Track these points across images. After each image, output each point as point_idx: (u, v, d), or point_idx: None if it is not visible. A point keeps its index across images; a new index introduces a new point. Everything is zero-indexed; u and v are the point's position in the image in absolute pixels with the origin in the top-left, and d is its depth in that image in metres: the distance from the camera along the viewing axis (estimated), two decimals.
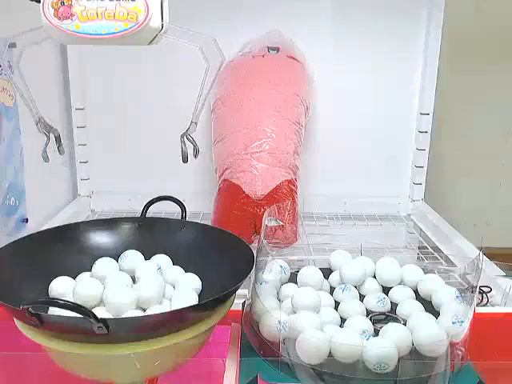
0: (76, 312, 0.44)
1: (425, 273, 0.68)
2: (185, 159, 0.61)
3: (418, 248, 1.09)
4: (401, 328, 0.56)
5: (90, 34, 0.46)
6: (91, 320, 0.44)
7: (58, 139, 0.59)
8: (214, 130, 1.09)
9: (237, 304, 0.58)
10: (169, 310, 0.54)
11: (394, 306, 0.63)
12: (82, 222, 0.69)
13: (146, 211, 0.67)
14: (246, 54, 1.12)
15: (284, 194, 0.99)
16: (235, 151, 1.01)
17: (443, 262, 0.94)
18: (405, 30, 1.20)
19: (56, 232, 0.63)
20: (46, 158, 0.59)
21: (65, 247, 0.62)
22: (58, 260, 0.61)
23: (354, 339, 0.53)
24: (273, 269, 0.65)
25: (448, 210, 1.24)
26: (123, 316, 0.52)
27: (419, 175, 1.27)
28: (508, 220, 1.56)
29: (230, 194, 1.00)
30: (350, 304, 0.62)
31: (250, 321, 0.60)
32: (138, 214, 0.67)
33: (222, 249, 0.61)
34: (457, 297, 0.62)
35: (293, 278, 0.67)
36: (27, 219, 0.98)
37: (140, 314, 0.53)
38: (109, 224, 0.67)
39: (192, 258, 0.63)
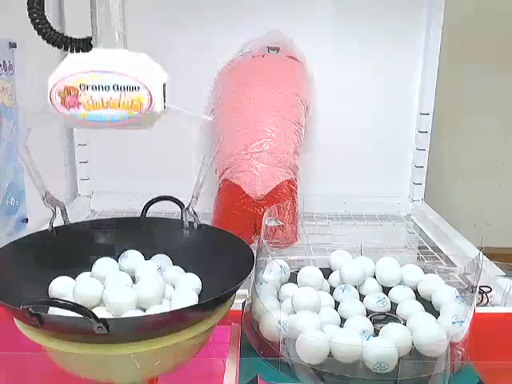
0: (76, 312, 0.44)
1: (425, 273, 0.68)
2: (185, 229, 0.65)
3: (418, 248, 1.09)
4: (401, 328, 0.56)
5: (96, 121, 0.47)
6: (91, 320, 0.44)
7: (63, 212, 0.61)
8: (214, 130, 1.09)
9: (237, 304, 0.58)
10: (169, 309, 0.54)
11: (394, 306, 0.63)
12: (81, 222, 0.69)
13: (146, 211, 0.67)
14: (245, 53, 1.12)
15: (284, 194, 0.99)
16: (235, 151, 1.01)
17: (443, 262, 0.94)
18: (405, 30, 1.20)
19: (56, 232, 0.63)
20: (53, 234, 0.61)
21: (65, 247, 0.62)
22: (57, 260, 0.60)
23: (353, 339, 0.53)
24: (273, 269, 0.65)
25: (448, 210, 1.24)
26: (123, 316, 0.52)
27: (419, 175, 1.27)
28: (508, 220, 1.56)
29: (229, 194, 1.00)
30: (350, 304, 0.62)
31: (250, 321, 0.60)
32: (138, 214, 0.67)
33: (221, 249, 0.61)
34: (457, 297, 0.62)
35: (293, 278, 0.67)
36: (27, 219, 0.98)
37: (140, 314, 0.53)
38: (109, 224, 0.67)
39: (192, 257, 0.63)
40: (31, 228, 0.98)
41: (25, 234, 0.63)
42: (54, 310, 0.49)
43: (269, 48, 1.11)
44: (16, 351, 0.57)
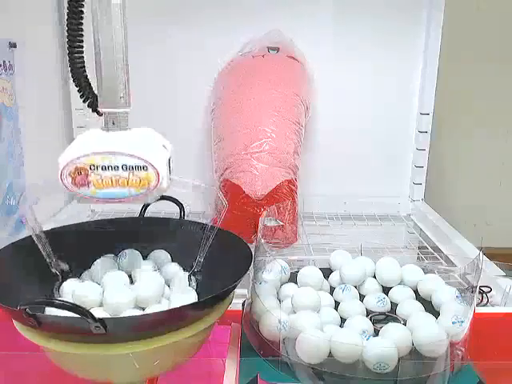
0: (73, 312, 0.44)
1: (425, 273, 0.68)
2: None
3: (418, 248, 1.08)
4: (401, 328, 0.55)
5: (105, 199, 0.49)
6: (89, 320, 0.44)
7: (66, 273, 0.61)
8: (214, 130, 1.09)
9: (237, 304, 0.58)
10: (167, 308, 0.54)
11: (394, 306, 0.63)
12: (81, 222, 0.69)
13: (144, 211, 0.67)
14: (246, 53, 1.12)
15: (284, 194, 0.99)
16: (235, 151, 1.01)
17: (443, 262, 0.94)
18: (405, 31, 1.20)
19: (56, 232, 0.63)
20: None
21: (65, 247, 0.62)
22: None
23: (353, 339, 0.53)
24: (273, 269, 0.65)
25: (448, 210, 1.24)
26: (121, 315, 0.52)
27: (419, 175, 1.27)
28: (508, 220, 1.56)
29: (230, 193, 1.00)
30: (350, 304, 0.62)
31: (249, 320, 0.60)
32: (137, 214, 0.67)
33: (220, 247, 0.61)
34: (457, 297, 0.61)
35: (293, 278, 0.67)
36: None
37: (138, 313, 0.53)
38: (108, 224, 0.67)
39: (190, 256, 0.63)
40: None
41: (25, 235, 0.63)
42: (52, 311, 0.49)
43: (269, 48, 1.11)
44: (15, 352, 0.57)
